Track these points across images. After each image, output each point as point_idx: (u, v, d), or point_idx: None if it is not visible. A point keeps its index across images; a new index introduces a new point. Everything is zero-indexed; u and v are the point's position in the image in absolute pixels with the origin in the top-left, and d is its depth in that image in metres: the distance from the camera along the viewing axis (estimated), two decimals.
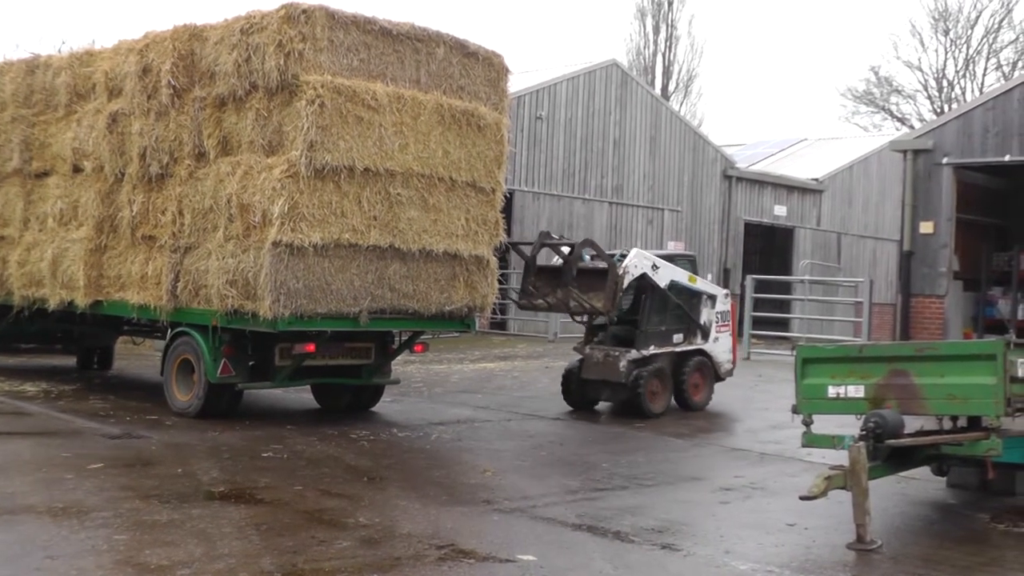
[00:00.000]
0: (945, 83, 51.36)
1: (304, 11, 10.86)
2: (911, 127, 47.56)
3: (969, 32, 50.40)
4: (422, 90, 11.66)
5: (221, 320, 11.26)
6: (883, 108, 54.02)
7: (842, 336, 23.00)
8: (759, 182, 34.39)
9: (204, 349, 11.54)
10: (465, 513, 7.87)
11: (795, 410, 8.68)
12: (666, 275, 13.63)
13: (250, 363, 11.96)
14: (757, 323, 23.11)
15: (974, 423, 8.29)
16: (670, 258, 14.44)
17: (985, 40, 50.08)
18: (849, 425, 8.91)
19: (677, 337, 13.92)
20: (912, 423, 8.37)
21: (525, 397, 14.94)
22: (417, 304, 11.69)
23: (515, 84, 16.10)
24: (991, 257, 20.26)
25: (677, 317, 13.91)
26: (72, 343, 16.68)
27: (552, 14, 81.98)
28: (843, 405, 8.48)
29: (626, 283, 13.19)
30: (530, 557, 6.65)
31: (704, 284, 14.54)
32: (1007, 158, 17.77)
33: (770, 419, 13.25)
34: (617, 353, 13.40)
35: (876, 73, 65.45)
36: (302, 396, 13.87)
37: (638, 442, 11.61)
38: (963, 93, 50.07)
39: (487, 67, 12.40)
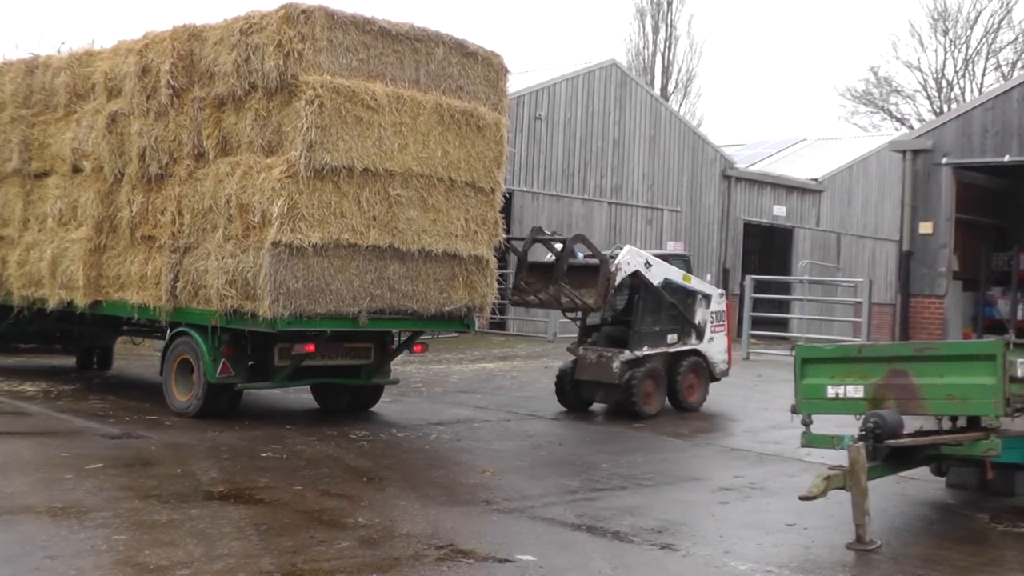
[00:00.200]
0: (944, 83, 51.42)
1: (303, 11, 10.86)
2: (910, 127, 47.58)
3: (968, 32, 50.46)
4: (421, 90, 11.66)
5: (220, 320, 11.27)
6: (882, 108, 54.06)
7: (841, 336, 23.00)
8: (758, 182, 34.40)
9: (203, 349, 11.54)
10: (464, 513, 7.88)
11: (794, 410, 8.68)
12: (660, 273, 13.56)
13: (249, 363, 11.96)
14: (756, 323, 23.11)
15: (973, 423, 8.30)
16: (664, 257, 14.35)
17: (984, 40, 50.14)
18: (848, 425, 8.92)
19: (671, 337, 13.85)
20: (911, 423, 8.37)
21: (524, 397, 14.94)
22: (416, 304, 11.69)
23: (514, 84, 16.10)
24: (990, 257, 20.25)
25: (671, 317, 13.84)
26: (71, 343, 16.68)
27: (551, 14, 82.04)
28: (842, 405, 8.48)
29: (618, 280, 13.13)
30: (529, 557, 6.66)
31: (699, 283, 14.46)
32: (1006, 158, 17.77)
33: (769, 419, 13.25)
34: (610, 354, 13.35)
35: (875, 73, 65.51)
36: (301, 396, 13.87)
37: (637, 442, 11.61)
38: (962, 93, 50.12)
39: (486, 67, 12.40)
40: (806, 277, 27.18)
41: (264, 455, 9.82)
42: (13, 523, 7.03)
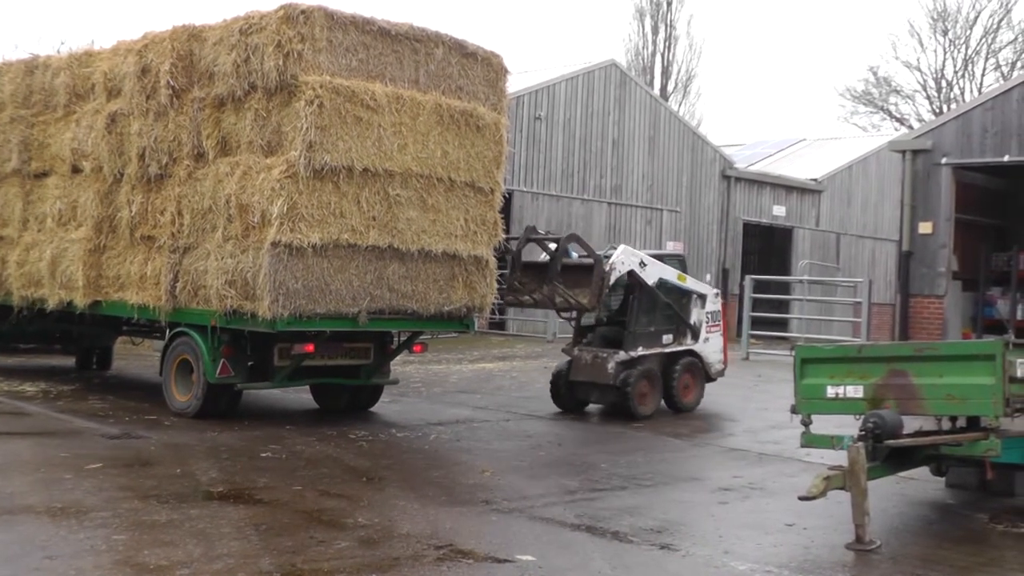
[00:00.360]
0: (944, 83, 51.43)
1: (303, 12, 10.85)
2: (910, 127, 47.57)
3: (968, 32, 50.46)
4: (421, 90, 11.66)
5: (220, 320, 11.27)
6: (882, 108, 54.06)
7: (841, 336, 23.02)
8: (758, 182, 34.40)
9: (203, 349, 11.54)
10: (464, 513, 7.87)
11: (794, 410, 8.68)
12: (654, 273, 13.50)
13: (249, 363, 11.95)
14: (756, 323, 23.11)
15: (973, 423, 8.30)
16: (659, 257, 14.28)
17: (984, 40, 50.15)
18: (848, 425, 8.92)
19: (666, 338, 13.79)
20: (911, 423, 8.37)
21: (523, 397, 14.94)
22: (416, 304, 11.69)
23: (514, 84, 16.10)
24: (990, 257, 20.25)
25: (666, 317, 13.78)
26: (71, 343, 16.68)
27: (551, 14, 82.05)
28: (842, 405, 8.48)
29: (613, 279, 13.09)
30: (529, 557, 6.66)
31: (694, 283, 14.38)
32: (1006, 158, 17.77)
33: (769, 419, 13.25)
34: (605, 354, 13.31)
35: (875, 73, 65.48)
36: (301, 396, 13.87)
37: (637, 442, 11.61)
38: (962, 93, 50.13)
39: (486, 67, 12.39)
40: (806, 277, 27.20)
41: (263, 455, 9.82)
42: (13, 523, 7.03)
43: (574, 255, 13.54)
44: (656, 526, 7.64)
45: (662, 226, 31.27)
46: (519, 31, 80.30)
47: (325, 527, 7.22)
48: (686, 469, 10.38)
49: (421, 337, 13.14)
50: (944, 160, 18.34)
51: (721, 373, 14.57)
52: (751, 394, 15.98)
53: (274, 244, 10.56)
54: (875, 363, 8.40)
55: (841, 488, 7.41)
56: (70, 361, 16.90)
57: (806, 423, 8.58)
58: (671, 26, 49.62)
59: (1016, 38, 49.98)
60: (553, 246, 13.44)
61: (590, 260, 13.06)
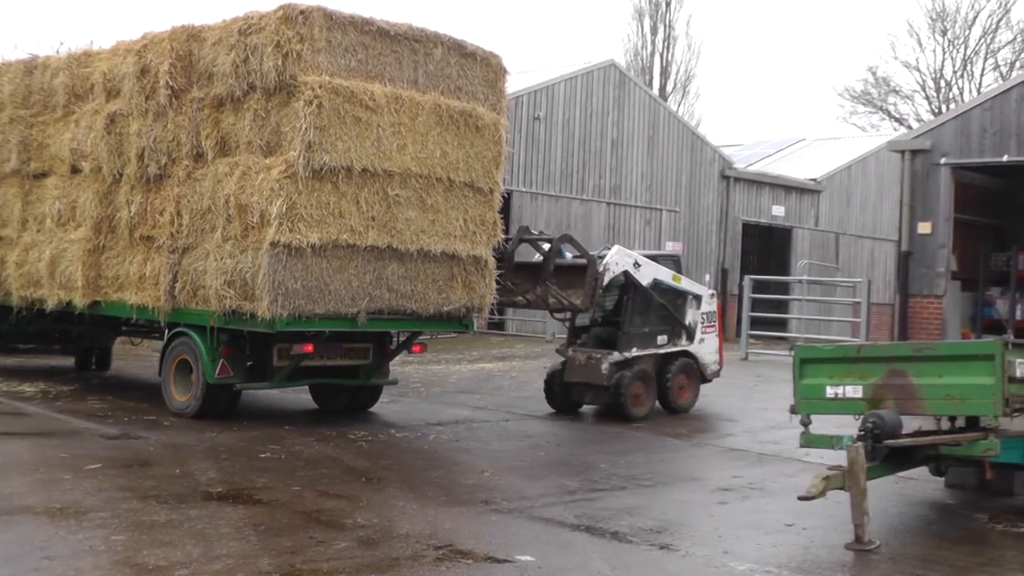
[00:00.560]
0: (943, 83, 51.44)
1: (302, 12, 10.85)
2: (909, 127, 47.59)
3: (967, 32, 50.47)
4: (420, 90, 11.66)
5: (219, 320, 11.26)
6: (881, 108, 54.07)
7: (840, 336, 23.02)
8: (757, 182, 34.39)
9: (202, 349, 11.54)
10: (463, 513, 7.87)
11: (793, 410, 8.68)
12: (649, 273, 13.46)
13: (248, 363, 11.95)
14: (755, 323, 23.10)
15: (972, 423, 8.30)
16: (654, 258, 14.21)
17: (983, 40, 50.17)
18: (847, 425, 8.92)
19: (661, 338, 13.73)
20: (910, 423, 8.37)
21: (523, 397, 14.94)
22: (415, 304, 11.69)
23: (513, 84, 16.09)
24: (989, 257, 20.26)
25: (661, 318, 13.73)
26: (70, 343, 16.67)
27: (550, 14, 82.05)
28: (841, 405, 8.48)
29: (606, 280, 13.04)
30: (528, 557, 6.66)
31: (689, 284, 14.32)
32: (1005, 158, 17.78)
33: (768, 419, 13.25)
34: (599, 355, 13.26)
35: (874, 73, 65.29)
36: (300, 397, 13.86)
37: (636, 442, 11.61)
38: (961, 93, 50.15)
39: (485, 67, 12.39)
40: (805, 277, 27.20)
41: (263, 455, 9.82)
42: (12, 523, 7.02)
43: (568, 255, 13.51)
44: (656, 526, 7.64)
45: (661, 226, 31.27)
46: (518, 31, 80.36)
47: (324, 527, 7.22)
48: (685, 469, 10.38)
49: (420, 337, 13.13)
50: (943, 160, 18.34)
51: (716, 374, 14.51)
52: (750, 394, 15.99)
53: (273, 244, 10.56)
54: (874, 363, 8.40)
55: (840, 488, 7.41)
56: (69, 361, 16.90)
57: (805, 423, 8.58)
58: (670, 26, 49.67)
59: (1015, 38, 50.05)
60: (546, 246, 13.42)
61: (583, 261, 13.04)
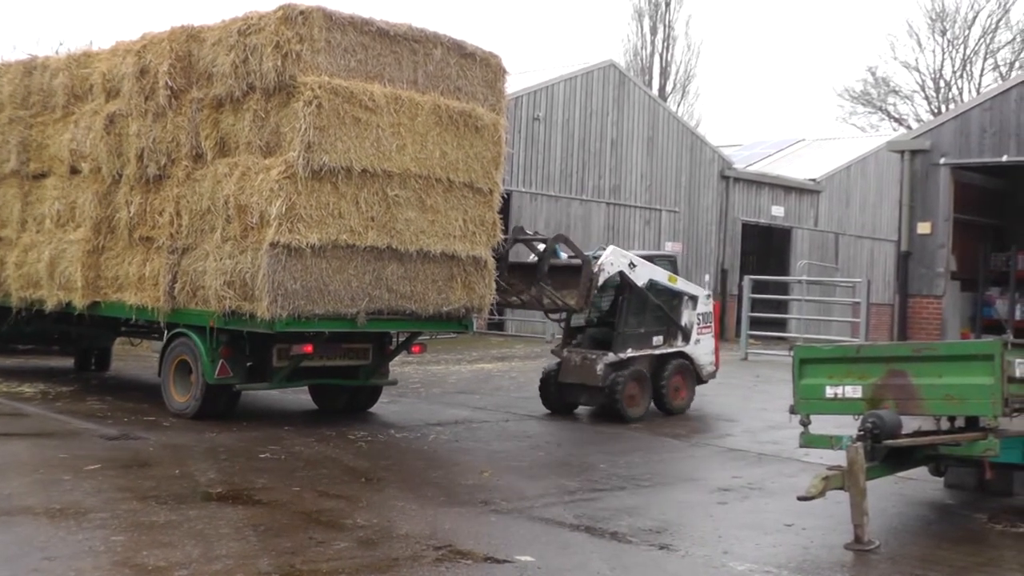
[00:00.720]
0: (942, 83, 51.45)
1: (301, 12, 10.85)
2: (908, 127, 47.59)
3: (966, 32, 50.47)
4: (419, 91, 11.66)
5: (218, 321, 11.26)
6: (880, 108, 54.08)
7: (840, 336, 23.03)
8: (756, 182, 34.39)
9: (202, 350, 11.53)
10: (463, 514, 7.87)
11: (793, 410, 8.68)
12: (644, 274, 13.41)
13: (248, 364, 11.95)
14: (754, 323, 23.10)
15: (972, 423, 8.30)
16: (649, 258, 14.17)
17: (982, 40, 50.17)
18: (847, 425, 8.92)
19: (657, 339, 13.68)
20: (910, 423, 8.37)
21: (522, 398, 14.94)
22: (415, 305, 11.68)
23: (512, 85, 16.07)
24: (988, 257, 20.25)
25: (657, 319, 13.68)
26: (70, 344, 16.67)
27: (550, 15, 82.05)
28: (841, 405, 8.49)
29: (601, 280, 13.01)
30: (528, 558, 6.66)
31: (685, 284, 14.27)
32: (1004, 158, 17.77)
33: (768, 419, 13.25)
34: (594, 356, 13.22)
35: (873, 73, 65.31)
36: (300, 397, 13.86)
37: (635, 443, 11.61)
38: (960, 93, 50.16)
39: (484, 68, 12.39)
40: (804, 277, 27.20)
41: (262, 456, 9.82)
42: (11, 524, 7.02)
43: (563, 256, 13.49)
44: (655, 526, 7.64)
45: (661, 226, 31.26)
46: (518, 31, 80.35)
47: (324, 528, 7.22)
48: (685, 469, 10.38)
49: (420, 338, 13.13)
50: (943, 160, 18.34)
51: (712, 375, 14.46)
52: (750, 394, 15.99)
53: (273, 245, 10.56)
54: (874, 363, 8.40)
55: (840, 488, 7.42)
56: (69, 362, 16.89)
57: (805, 423, 8.59)
58: (669, 26, 49.70)
59: (1014, 38, 50.06)
60: (541, 247, 13.41)
61: (578, 261, 13.02)
